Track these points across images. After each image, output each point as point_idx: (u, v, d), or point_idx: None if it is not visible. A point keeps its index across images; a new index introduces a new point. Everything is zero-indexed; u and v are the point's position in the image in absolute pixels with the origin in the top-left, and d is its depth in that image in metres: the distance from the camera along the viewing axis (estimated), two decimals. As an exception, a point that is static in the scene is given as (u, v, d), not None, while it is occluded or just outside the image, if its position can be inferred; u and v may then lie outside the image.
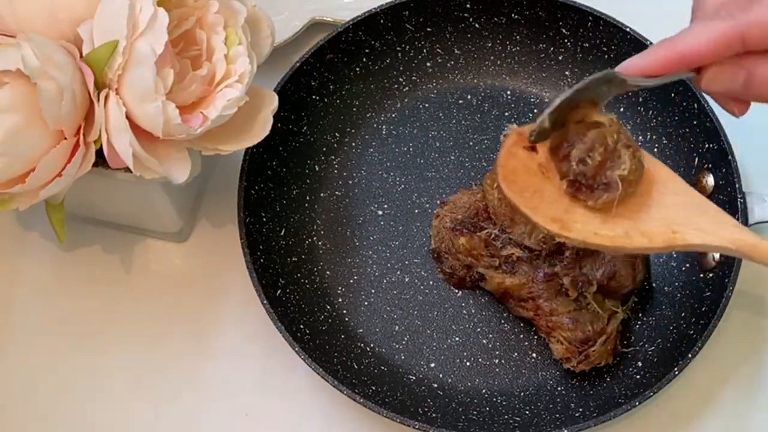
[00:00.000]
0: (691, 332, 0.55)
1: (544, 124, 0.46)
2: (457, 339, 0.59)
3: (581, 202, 0.47)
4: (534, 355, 0.58)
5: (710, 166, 0.60)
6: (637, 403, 0.52)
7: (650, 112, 0.63)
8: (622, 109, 0.65)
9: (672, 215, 0.47)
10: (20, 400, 0.58)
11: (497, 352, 0.58)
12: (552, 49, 0.66)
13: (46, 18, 0.49)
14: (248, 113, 0.53)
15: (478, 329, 0.59)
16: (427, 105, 0.67)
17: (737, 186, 0.57)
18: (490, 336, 0.59)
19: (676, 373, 0.52)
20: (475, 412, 0.56)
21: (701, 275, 0.58)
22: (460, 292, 0.60)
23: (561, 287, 0.56)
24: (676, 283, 0.59)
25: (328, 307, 0.60)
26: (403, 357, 0.58)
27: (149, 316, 0.61)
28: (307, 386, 0.58)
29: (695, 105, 0.60)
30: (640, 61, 0.47)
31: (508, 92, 0.67)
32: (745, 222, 0.56)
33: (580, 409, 0.55)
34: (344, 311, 0.60)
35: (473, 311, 0.60)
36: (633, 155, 0.46)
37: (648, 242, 0.46)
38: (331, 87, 0.65)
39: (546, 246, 0.57)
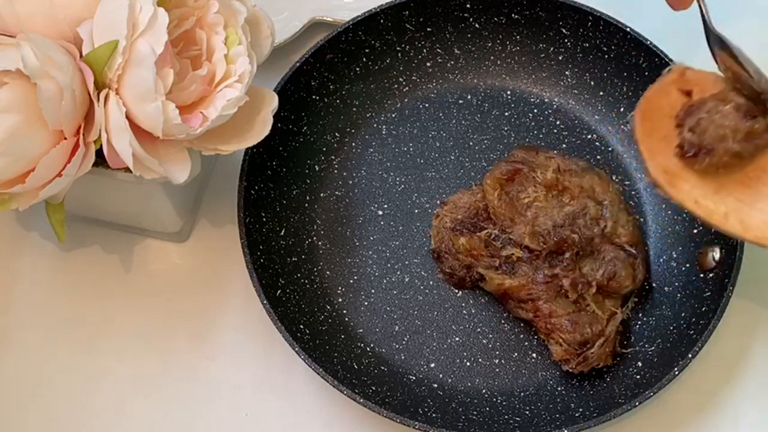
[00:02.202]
0: (691, 332, 0.55)
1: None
2: (457, 339, 0.59)
3: (689, 165, 0.45)
4: (534, 355, 0.58)
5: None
6: (637, 403, 0.52)
7: (650, 112, 0.63)
8: (622, 109, 0.65)
9: None
10: (20, 400, 0.58)
11: (497, 352, 0.58)
12: (552, 49, 0.66)
13: (46, 18, 0.49)
14: (248, 113, 0.53)
15: (478, 329, 0.59)
16: (427, 105, 0.67)
17: (737, 186, 0.57)
18: (490, 336, 0.59)
19: (676, 373, 0.52)
20: (475, 412, 0.56)
21: (701, 275, 0.58)
22: (460, 292, 0.60)
23: (560, 289, 0.56)
24: (676, 283, 0.59)
25: (328, 307, 0.60)
26: (403, 357, 0.58)
27: (149, 315, 0.61)
28: (307, 386, 0.58)
29: (695, 105, 0.60)
30: None
31: (508, 92, 0.67)
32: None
33: (580, 409, 0.55)
34: (344, 311, 0.60)
35: (473, 311, 0.60)
36: (748, 132, 0.45)
37: (742, 231, 0.45)
38: (331, 87, 0.65)
39: (546, 246, 0.57)
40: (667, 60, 0.61)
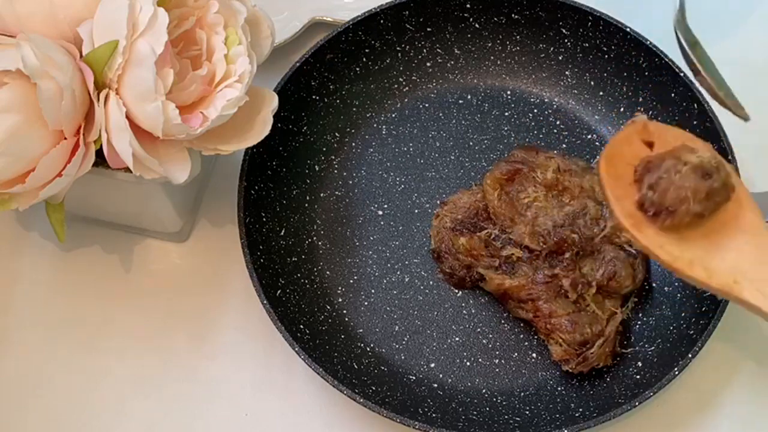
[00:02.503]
0: (691, 332, 0.55)
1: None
2: (457, 339, 0.59)
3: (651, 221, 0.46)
4: (534, 355, 0.58)
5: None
6: (637, 403, 0.52)
7: (650, 112, 0.63)
8: (622, 109, 0.65)
9: (741, 262, 0.46)
10: (20, 400, 0.58)
11: (497, 352, 0.58)
12: (552, 49, 0.66)
13: (46, 18, 0.49)
14: (248, 113, 0.53)
15: (478, 329, 0.59)
16: (427, 105, 0.67)
17: (737, 186, 0.57)
18: (490, 336, 0.59)
19: (676, 373, 0.52)
20: (475, 412, 0.56)
21: (701, 275, 0.58)
22: (460, 292, 0.60)
23: (560, 289, 0.56)
24: (676, 283, 0.59)
25: (328, 307, 0.60)
26: (403, 357, 0.58)
27: (149, 315, 0.61)
28: (307, 386, 0.58)
29: (695, 105, 0.60)
30: None
31: (508, 92, 0.67)
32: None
33: (580, 409, 0.55)
34: (344, 311, 0.60)
35: (473, 311, 0.60)
36: (708, 192, 0.45)
37: (706, 278, 0.45)
38: (331, 87, 0.65)
39: (546, 246, 0.57)
40: (667, 60, 0.61)
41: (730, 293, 0.46)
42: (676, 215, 0.46)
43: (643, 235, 0.46)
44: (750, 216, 0.47)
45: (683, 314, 0.57)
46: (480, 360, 0.58)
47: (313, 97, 0.64)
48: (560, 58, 0.66)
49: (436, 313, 0.60)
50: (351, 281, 0.61)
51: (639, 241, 0.46)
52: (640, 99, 0.64)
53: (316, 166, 0.64)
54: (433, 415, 0.55)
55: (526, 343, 0.58)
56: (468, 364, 0.58)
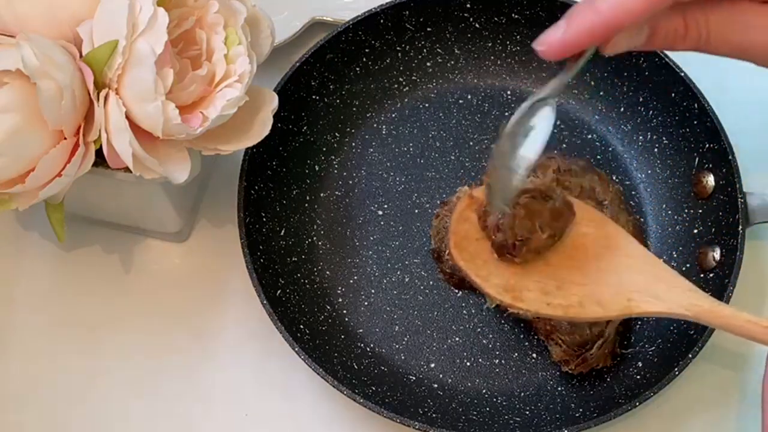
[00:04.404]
0: (691, 332, 0.55)
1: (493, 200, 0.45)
2: (457, 339, 0.59)
3: (512, 261, 0.46)
4: (534, 355, 0.58)
5: (710, 166, 0.60)
6: (637, 403, 0.52)
7: (650, 112, 0.63)
8: (622, 109, 0.65)
9: (627, 281, 0.46)
10: (20, 400, 0.58)
11: (497, 353, 0.58)
12: (552, 49, 0.66)
13: (46, 18, 0.49)
14: (248, 113, 0.53)
15: (478, 329, 0.59)
16: (427, 105, 0.67)
17: (737, 186, 0.57)
18: (490, 336, 0.59)
19: (676, 373, 0.52)
20: (475, 412, 0.56)
21: (701, 275, 0.58)
22: (460, 292, 0.60)
23: (561, 288, 0.56)
24: (677, 283, 0.59)
25: (328, 307, 0.60)
26: (403, 357, 0.58)
27: (149, 316, 0.61)
28: (307, 386, 0.58)
29: (695, 105, 0.60)
30: (559, 35, 0.44)
31: (508, 92, 0.67)
32: (745, 222, 0.56)
33: (580, 410, 0.55)
34: (344, 311, 0.60)
35: (473, 311, 0.60)
36: (551, 211, 0.45)
37: (603, 311, 0.45)
38: (331, 87, 0.65)
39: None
40: (666, 60, 0.61)
41: (629, 312, 0.45)
42: (529, 241, 0.45)
43: (525, 302, 0.46)
44: (620, 237, 0.47)
45: (683, 314, 0.57)
46: (480, 360, 0.58)
47: (313, 97, 0.64)
48: (560, 58, 0.66)
49: (436, 313, 0.60)
50: (351, 281, 0.61)
51: (523, 309, 0.46)
52: (640, 99, 0.64)
53: (316, 166, 0.64)
54: (433, 415, 0.55)
55: (526, 344, 0.58)
56: (468, 364, 0.58)
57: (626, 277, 0.46)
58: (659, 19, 0.44)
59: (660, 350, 0.56)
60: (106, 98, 0.48)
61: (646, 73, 0.63)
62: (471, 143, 0.65)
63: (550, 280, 0.46)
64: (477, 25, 0.66)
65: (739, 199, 0.57)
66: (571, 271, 0.46)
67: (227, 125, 0.51)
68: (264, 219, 0.60)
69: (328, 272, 0.61)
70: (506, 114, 0.66)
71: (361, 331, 0.59)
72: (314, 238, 0.62)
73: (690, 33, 0.44)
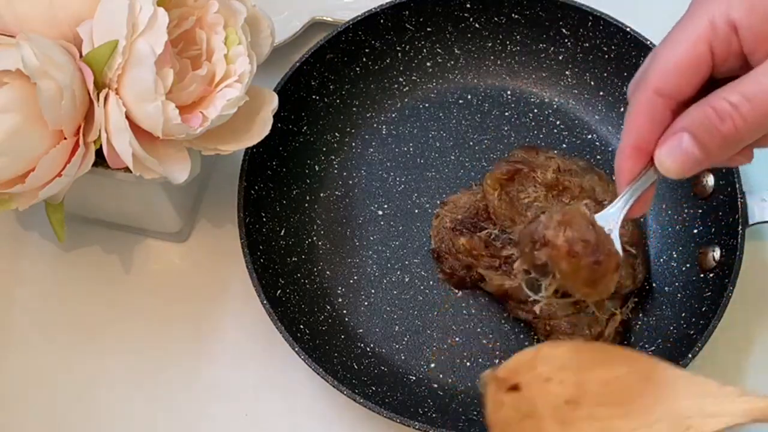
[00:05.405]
0: (691, 332, 0.55)
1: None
2: (457, 339, 0.59)
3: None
4: (534, 355, 0.58)
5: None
6: (637, 403, 0.52)
7: (650, 112, 0.63)
8: (621, 109, 0.65)
9: (678, 409, 0.44)
10: (20, 400, 0.58)
11: (497, 353, 0.58)
12: (552, 49, 0.66)
13: (46, 18, 0.49)
14: (248, 113, 0.53)
15: (478, 329, 0.59)
16: (427, 105, 0.67)
17: (737, 186, 0.57)
18: (490, 336, 0.59)
19: (676, 373, 0.52)
20: (475, 412, 0.56)
21: (701, 275, 0.58)
22: (460, 292, 0.60)
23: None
24: (676, 283, 0.59)
25: (328, 307, 0.60)
26: (403, 357, 0.58)
27: (149, 316, 0.61)
28: (307, 386, 0.58)
29: (695, 105, 0.60)
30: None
31: (508, 92, 0.67)
32: (745, 222, 0.56)
33: (580, 409, 0.55)
34: (344, 311, 0.60)
35: (473, 311, 0.60)
36: (597, 240, 0.43)
37: None
38: (331, 87, 0.65)
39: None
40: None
41: None
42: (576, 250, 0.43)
43: None
44: (659, 368, 0.45)
45: (683, 314, 0.57)
46: (480, 360, 0.58)
47: (313, 97, 0.64)
48: (560, 58, 0.66)
49: (436, 313, 0.60)
50: (351, 281, 0.61)
51: None
52: (640, 99, 0.64)
53: (316, 166, 0.64)
54: (433, 415, 0.55)
55: (527, 344, 0.58)
56: (468, 364, 0.58)
57: (675, 406, 0.44)
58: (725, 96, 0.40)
59: (660, 350, 0.56)
60: (106, 98, 0.48)
61: (646, 73, 0.63)
62: (471, 143, 0.65)
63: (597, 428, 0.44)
64: (477, 25, 0.66)
65: (739, 199, 0.56)
66: (617, 419, 0.44)
67: (227, 125, 0.51)
68: (264, 219, 0.60)
69: (328, 272, 0.61)
70: (506, 114, 0.66)
71: (361, 331, 0.59)
72: (314, 238, 0.62)
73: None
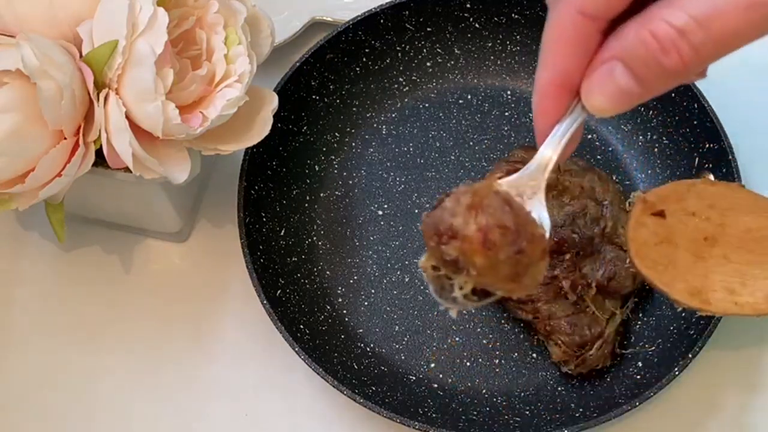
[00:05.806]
0: (691, 332, 0.55)
1: None
2: (457, 339, 0.59)
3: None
4: (534, 355, 0.58)
5: (710, 166, 0.60)
6: (637, 403, 0.52)
7: (650, 112, 0.63)
8: (622, 109, 0.65)
9: None
10: (20, 400, 0.58)
11: (497, 353, 0.58)
12: (552, 49, 0.66)
13: (45, 18, 0.49)
14: (248, 113, 0.53)
15: (478, 329, 0.59)
16: (427, 105, 0.67)
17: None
18: (490, 336, 0.59)
19: (676, 373, 0.52)
20: (475, 412, 0.56)
21: (701, 275, 0.58)
22: (460, 292, 0.60)
23: (560, 290, 0.56)
24: (676, 283, 0.59)
25: (328, 307, 0.60)
26: (403, 357, 0.58)
27: (149, 316, 0.61)
28: (307, 386, 0.58)
29: (695, 105, 0.60)
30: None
31: (508, 92, 0.67)
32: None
33: (580, 409, 0.55)
34: (344, 311, 0.60)
35: (473, 311, 0.60)
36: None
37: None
38: (331, 87, 0.65)
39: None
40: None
41: None
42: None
43: (713, 305, 0.45)
44: None
45: (683, 314, 0.57)
46: (480, 360, 0.58)
47: (313, 97, 0.64)
48: (560, 58, 0.66)
49: (436, 313, 0.60)
50: (351, 281, 0.61)
51: (715, 312, 0.45)
52: (640, 99, 0.64)
53: (316, 166, 0.64)
54: (433, 415, 0.55)
55: (526, 344, 0.58)
56: (468, 364, 0.58)
57: None
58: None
59: (660, 350, 0.56)
60: (106, 98, 0.48)
61: (646, 73, 0.63)
62: (471, 143, 0.65)
63: (732, 277, 0.45)
64: (477, 25, 0.66)
65: (739, 199, 0.56)
66: (751, 266, 0.45)
67: (227, 125, 0.51)
68: (264, 219, 0.60)
69: (328, 272, 0.61)
70: (506, 114, 0.66)
71: (361, 331, 0.59)
72: (314, 238, 0.62)
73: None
